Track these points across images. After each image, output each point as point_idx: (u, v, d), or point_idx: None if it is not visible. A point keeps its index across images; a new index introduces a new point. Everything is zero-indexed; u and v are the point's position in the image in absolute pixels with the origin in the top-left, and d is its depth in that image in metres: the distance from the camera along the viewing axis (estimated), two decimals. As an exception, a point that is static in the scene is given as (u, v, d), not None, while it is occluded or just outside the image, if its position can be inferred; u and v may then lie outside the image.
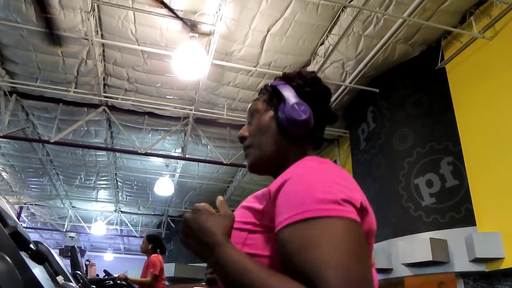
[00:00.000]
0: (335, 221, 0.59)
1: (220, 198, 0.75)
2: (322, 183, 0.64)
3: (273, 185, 0.70)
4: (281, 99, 0.83)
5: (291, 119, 0.79)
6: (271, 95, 0.87)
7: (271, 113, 0.85)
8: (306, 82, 0.86)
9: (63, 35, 4.16)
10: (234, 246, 0.65)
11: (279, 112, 0.82)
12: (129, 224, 12.03)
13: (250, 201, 0.78)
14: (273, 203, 0.68)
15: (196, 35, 4.39)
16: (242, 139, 0.89)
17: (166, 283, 9.82)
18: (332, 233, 0.57)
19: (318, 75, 0.90)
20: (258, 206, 0.73)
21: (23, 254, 1.07)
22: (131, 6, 4.31)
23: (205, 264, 0.74)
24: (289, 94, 0.82)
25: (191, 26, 4.28)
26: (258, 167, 0.86)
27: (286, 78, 0.88)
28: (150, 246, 4.22)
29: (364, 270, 0.56)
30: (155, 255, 4.16)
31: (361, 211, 0.64)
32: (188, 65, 4.52)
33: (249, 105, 0.91)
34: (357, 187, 0.69)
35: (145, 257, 4.31)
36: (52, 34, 2.44)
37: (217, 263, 0.64)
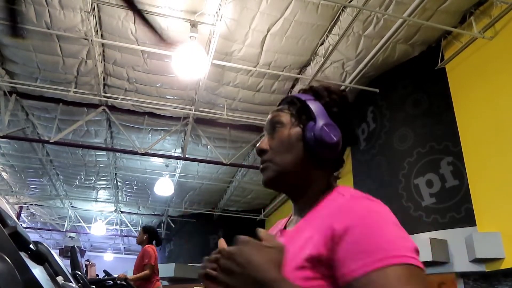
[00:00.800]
0: (416, 270, 0.59)
1: (262, 230, 0.67)
2: (393, 226, 0.63)
3: (337, 227, 0.64)
4: (310, 116, 0.79)
5: (322, 141, 0.76)
6: (300, 110, 0.82)
7: (298, 130, 0.80)
8: (335, 101, 0.83)
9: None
10: (291, 283, 0.60)
11: (307, 131, 0.78)
12: (129, 224, 12.03)
13: (301, 240, 0.71)
14: (335, 248, 0.63)
15: (196, 35, 4.39)
16: (261, 152, 0.83)
17: (166, 283, 9.85)
18: (416, 281, 0.58)
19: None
20: (313, 251, 0.66)
21: (23, 255, 1.07)
22: (131, 6, 4.31)
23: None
24: (320, 113, 0.79)
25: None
26: (276, 184, 0.82)
27: (315, 93, 0.84)
28: (145, 236, 4.24)
29: None
30: (149, 245, 4.17)
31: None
32: (188, 65, 4.52)
33: (271, 115, 0.85)
34: None
35: None
36: (156, 31, 2.36)
37: None
